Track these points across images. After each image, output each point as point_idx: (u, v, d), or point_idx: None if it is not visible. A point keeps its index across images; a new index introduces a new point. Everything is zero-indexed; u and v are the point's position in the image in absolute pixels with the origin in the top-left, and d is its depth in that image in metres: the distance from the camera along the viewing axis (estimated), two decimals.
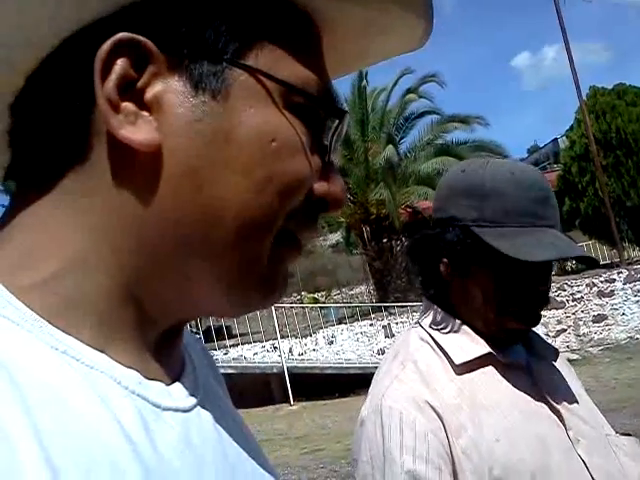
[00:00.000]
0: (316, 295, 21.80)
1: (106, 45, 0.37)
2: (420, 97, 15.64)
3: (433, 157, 14.77)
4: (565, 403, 1.00)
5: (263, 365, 12.08)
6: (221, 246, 0.41)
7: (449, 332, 1.01)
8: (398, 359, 0.99)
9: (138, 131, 0.38)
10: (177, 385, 0.44)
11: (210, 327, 12.98)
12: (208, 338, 12.54)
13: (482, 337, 0.99)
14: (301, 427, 9.15)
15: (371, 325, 12.94)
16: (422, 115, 15.99)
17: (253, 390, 11.30)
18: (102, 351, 0.39)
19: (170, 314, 0.44)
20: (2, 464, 0.30)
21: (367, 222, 15.10)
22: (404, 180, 14.70)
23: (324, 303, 18.02)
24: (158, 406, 0.41)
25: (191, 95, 0.39)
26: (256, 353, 12.71)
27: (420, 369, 0.96)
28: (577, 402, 1.02)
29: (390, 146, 13.76)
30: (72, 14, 0.38)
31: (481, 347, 0.98)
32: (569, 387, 1.05)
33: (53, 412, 0.34)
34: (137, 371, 0.40)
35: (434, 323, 1.02)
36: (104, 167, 0.39)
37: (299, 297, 21.84)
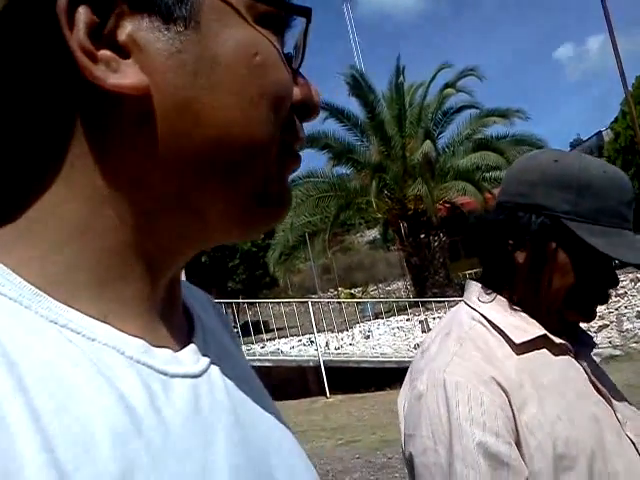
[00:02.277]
0: (352, 291, 21.81)
1: None
2: (458, 91, 15.47)
3: (472, 152, 14.62)
4: (607, 388, 1.02)
5: (300, 358, 12.15)
6: (232, 170, 0.40)
7: (503, 313, 1.02)
8: (452, 337, 0.99)
9: (125, 77, 0.37)
10: (185, 350, 0.43)
11: (247, 321, 13.12)
12: (245, 332, 12.70)
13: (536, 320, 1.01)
14: (337, 419, 9.19)
15: (408, 320, 12.89)
16: (460, 109, 15.84)
17: (290, 382, 11.40)
18: (104, 321, 0.38)
19: (178, 252, 0.43)
20: (0, 451, 0.29)
21: (404, 218, 15.03)
22: (442, 175, 14.58)
23: (360, 298, 17.99)
24: (165, 374, 0.40)
25: (164, 29, 0.38)
26: (293, 347, 12.80)
27: (479, 346, 0.97)
28: (615, 389, 1.05)
29: (428, 141, 13.65)
30: None
31: (537, 329, 1.00)
32: (605, 374, 1.08)
33: (50, 391, 0.33)
34: (142, 339, 0.40)
35: (485, 302, 1.03)
36: (94, 127, 0.38)
37: (336, 293, 21.88)
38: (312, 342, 12.29)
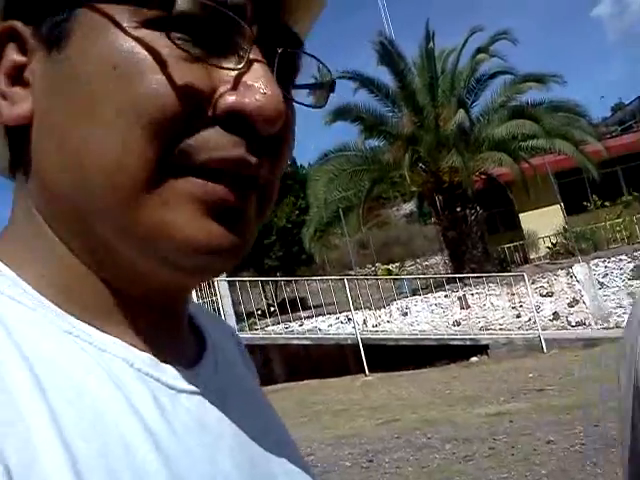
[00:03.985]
0: (390, 267, 21.68)
1: None
2: (492, 56, 15.00)
3: (507, 120, 14.20)
4: None
5: (337, 336, 12.14)
6: (100, 203, 0.37)
7: None
8: None
9: (14, 108, 0.39)
10: (195, 368, 0.44)
11: (284, 299, 13.15)
12: (283, 310, 12.73)
13: None
14: (376, 398, 9.15)
15: (446, 296, 12.74)
16: (494, 76, 15.38)
17: (328, 361, 11.42)
18: (114, 335, 0.40)
19: (132, 283, 0.41)
20: (19, 447, 0.31)
21: (439, 191, 14.77)
22: (477, 146, 14.25)
23: (397, 275, 17.86)
24: (173, 388, 0.41)
25: (46, 56, 0.38)
26: (330, 325, 12.80)
27: None
28: None
29: (461, 110, 13.32)
30: None
31: None
32: None
33: (68, 396, 0.34)
34: (151, 354, 0.41)
35: None
36: (20, 159, 0.42)
37: (373, 269, 21.79)
38: (349, 320, 12.25)
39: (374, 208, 18.12)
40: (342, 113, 14.17)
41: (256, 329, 12.16)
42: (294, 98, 0.42)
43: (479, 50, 14.92)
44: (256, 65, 0.38)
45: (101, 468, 0.33)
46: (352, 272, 18.23)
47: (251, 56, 0.37)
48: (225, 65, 0.37)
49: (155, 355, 0.41)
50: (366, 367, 11.07)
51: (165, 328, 0.44)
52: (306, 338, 11.71)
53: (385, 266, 21.44)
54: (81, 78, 0.37)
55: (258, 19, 0.38)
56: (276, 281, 12.66)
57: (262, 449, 0.46)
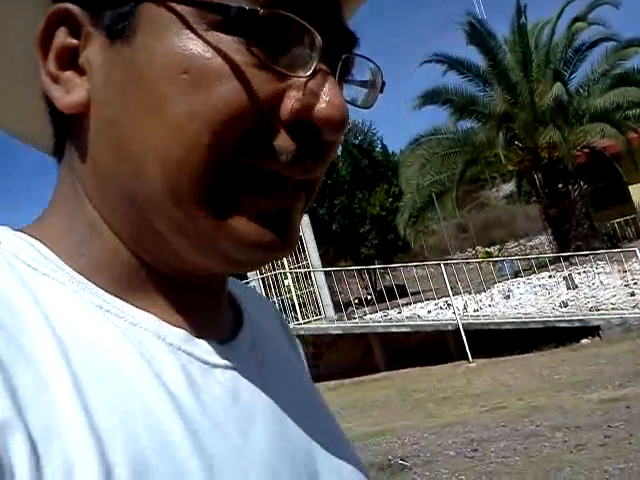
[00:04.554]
0: (490, 249, 21.07)
1: (40, 24, 0.40)
2: (591, 24, 14.17)
3: (610, 89, 13.39)
4: None
5: (437, 323, 11.95)
6: (156, 199, 0.38)
7: None
8: None
9: (70, 96, 0.39)
10: (230, 343, 0.44)
11: (382, 287, 13.12)
12: (380, 298, 12.69)
13: None
14: (480, 384, 8.94)
15: (550, 277, 12.20)
16: (595, 44, 14.57)
17: (429, 348, 11.27)
18: (146, 310, 0.40)
19: (175, 269, 0.42)
20: (42, 416, 0.31)
21: (538, 168, 14.16)
22: (577, 119, 13.55)
23: (497, 257, 17.33)
24: (206, 362, 0.41)
25: (107, 45, 0.39)
26: (430, 311, 12.62)
27: None
28: None
29: (558, 84, 12.69)
30: None
31: None
32: None
33: (92, 364, 0.35)
34: (185, 330, 0.41)
35: None
36: (70, 141, 0.43)
37: (474, 252, 21.28)
38: (449, 305, 12.03)
39: (472, 191, 17.69)
40: (431, 96, 13.92)
41: (354, 318, 12.21)
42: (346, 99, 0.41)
43: (576, 19, 14.18)
44: (323, 72, 0.38)
45: (124, 438, 0.33)
46: (450, 257, 17.89)
47: (318, 65, 0.38)
48: (293, 73, 0.37)
49: (190, 331, 0.41)
50: (469, 353, 10.83)
51: (202, 305, 0.44)
52: (405, 325, 11.61)
53: (485, 249, 20.86)
54: (148, 78, 0.37)
55: (324, 24, 0.38)
56: (373, 269, 12.65)
57: (301, 428, 0.45)
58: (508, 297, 12.42)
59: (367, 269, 12.81)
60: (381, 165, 21.45)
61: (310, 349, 11.51)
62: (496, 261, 15.18)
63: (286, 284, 12.70)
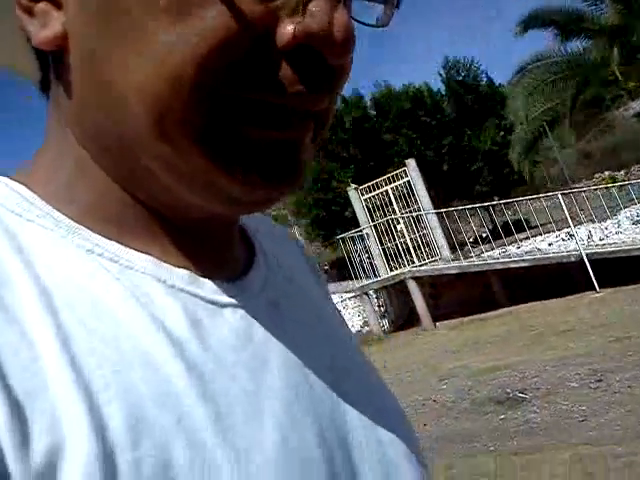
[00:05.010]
0: (615, 174, 19.73)
1: None
2: None
3: None
4: None
5: (559, 255, 11.52)
6: (143, 137, 0.34)
7: None
8: None
9: (45, 30, 0.36)
10: (241, 280, 0.42)
11: (496, 224, 12.82)
12: (497, 235, 12.42)
13: None
14: (606, 315, 8.60)
15: None
16: None
17: (551, 281, 10.96)
18: (144, 252, 0.38)
19: (173, 209, 0.39)
20: (25, 370, 0.29)
21: None
22: None
23: (624, 181, 16.22)
24: (214, 303, 0.38)
25: None
26: (550, 244, 12.18)
27: None
28: None
29: None
30: None
31: None
32: None
33: (80, 313, 0.33)
34: (189, 270, 0.38)
35: None
36: (54, 77, 0.39)
37: (597, 177, 20.04)
38: (571, 236, 11.54)
39: (594, 114, 16.52)
40: (533, 20, 13.02)
41: (471, 257, 12.07)
42: (355, 17, 0.36)
43: None
44: None
45: (118, 390, 0.31)
46: (573, 186, 17.00)
47: None
48: None
49: (194, 271, 0.39)
50: (595, 283, 10.41)
51: (206, 244, 0.41)
52: (524, 260, 11.31)
53: (609, 173, 19.57)
54: (124, 7, 0.33)
55: None
56: (486, 206, 12.34)
57: (325, 377, 0.42)
58: (637, 222, 11.70)
59: (480, 207, 12.50)
60: (488, 99, 20.51)
61: (428, 290, 11.59)
62: (622, 185, 14.24)
63: (399, 229, 12.77)
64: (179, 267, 0.38)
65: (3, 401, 0.27)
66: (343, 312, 12.34)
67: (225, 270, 0.41)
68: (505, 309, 10.72)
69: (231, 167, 0.34)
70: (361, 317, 12.11)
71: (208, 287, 0.39)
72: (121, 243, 0.37)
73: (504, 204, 13.78)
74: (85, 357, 0.31)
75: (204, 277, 0.39)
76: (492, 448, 4.31)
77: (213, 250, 0.41)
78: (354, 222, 13.37)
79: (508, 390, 5.57)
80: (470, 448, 4.43)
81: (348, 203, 13.73)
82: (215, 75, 0.32)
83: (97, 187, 0.38)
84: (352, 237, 12.64)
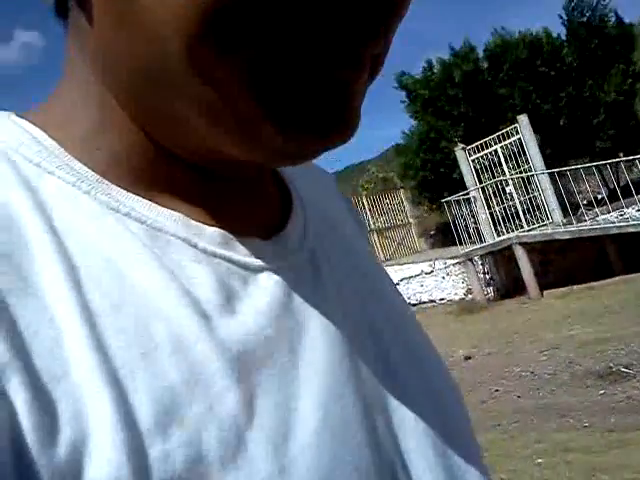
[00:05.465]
0: None
1: None
2: None
3: None
4: None
5: None
6: (177, 75, 0.30)
7: None
8: None
9: None
10: (277, 237, 0.38)
11: (614, 184, 12.06)
12: (614, 197, 11.70)
13: None
14: None
15: None
16: None
17: None
18: (175, 210, 0.35)
19: (205, 158, 0.36)
20: (46, 350, 0.27)
21: None
22: None
23: None
24: (247, 268, 0.35)
25: None
26: None
27: None
28: None
29: None
30: None
31: None
32: None
33: (106, 287, 0.30)
34: (221, 228, 0.35)
35: None
36: (73, 0, 0.34)
37: None
38: None
39: None
40: None
41: (584, 220, 11.48)
42: None
43: None
44: None
45: (146, 374, 0.28)
46: None
47: None
48: None
49: (227, 228, 0.36)
50: None
51: (240, 197, 0.38)
52: None
53: None
54: None
55: None
56: (605, 165, 11.60)
57: (367, 333, 0.39)
58: None
59: (599, 165, 11.73)
60: (615, 42, 18.94)
61: (536, 256, 11.19)
62: None
63: (508, 191, 12.34)
64: (210, 225, 0.35)
65: (26, 386, 0.25)
66: (447, 279, 12.19)
67: (259, 225, 0.39)
68: (620, 277, 10.16)
69: (281, 115, 0.30)
70: (465, 284, 11.90)
71: (242, 249, 0.36)
72: (149, 199, 0.34)
73: (625, 162, 12.91)
74: (111, 337, 0.29)
75: (237, 235, 0.36)
76: (587, 424, 4.24)
77: (246, 204, 0.39)
78: (462, 185, 13.04)
79: (612, 364, 5.39)
80: (563, 423, 4.38)
81: (456, 164, 13.32)
82: (266, 5, 0.28)
83: (122, 135, 0.34)
84: (458, 200, 12.33)
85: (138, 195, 0.34)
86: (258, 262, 0.36)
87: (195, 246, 0.34)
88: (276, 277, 0.36)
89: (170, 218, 0.34)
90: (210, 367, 0.30)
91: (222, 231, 0.35)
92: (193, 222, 0.35)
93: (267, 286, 0.35)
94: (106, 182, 0.33)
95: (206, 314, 0.32)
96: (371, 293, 0.43)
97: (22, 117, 0.35)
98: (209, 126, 0.32)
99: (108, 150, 0.34)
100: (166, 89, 0.31)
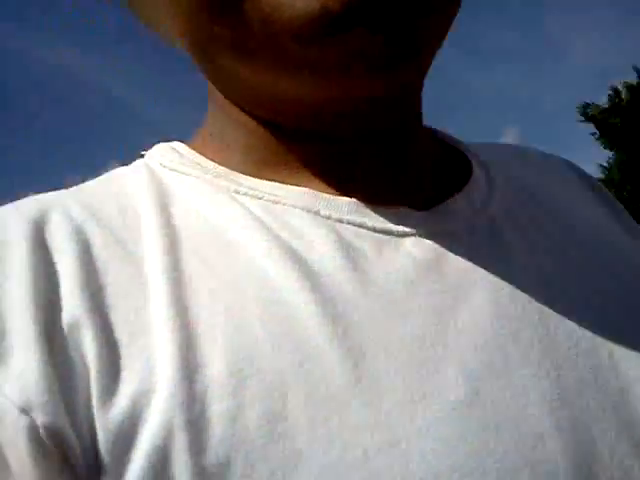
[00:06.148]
0: None
1: None
2: None
3: None
4: None
5: None
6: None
7: None
8: None
9: None
10: (436, 207, 0.34)
11: None
12: None
13: None
14: None
15: None
16: None
17: None
18: (300, 185, 0.33)
19: (325, 129, 0.33)
20: (131, 307, 0.27)
21: None
22: None
23: None
24: (388, 232, 0.31)
25: None
26: None
27: None
28: None
29: None
30: None
31: None
32: None
33: (204, 253, 0.30)
34: (355, 198, 0.32)
35: None
36: None
37: None
38: None
39: None
40: None
41: None
42: None
43: None
44: None
45: (226, 328, 0.27)
46: None
47: None
48: None
49: (364, 199, 0.32)
50: None
51: (378, 166, 0.34)
52: None
53: None
54: None
55: None
56: None
57: (571, 315, 0.31)
58: None
59: None
60: None
61: None
62: None
63: None
64: (342, 195, 0.33)
65: (100, 340, 0.26)
66: None
67: (410, 196, 0.34)
68: None
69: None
70: None
71: (376, 216, 0.32)
72: (272, 180, 0.33)
73: None
74: (198, 298, 0.28)
75: (377, 204, 0.33)
76: None
77: (389, 173, 0.35)
78: None
79: None
80: None
81: None
82: None
83: (239, 126, 0.35)
84: None
85: (261, 178, 0.33)
86: (400, 228, 0.32)
87: (317, 213, 0.32)
88: (427, 242, 0.32)
89: (293, 191, 0.32)
90: (308, 323, 0.27)
91: (352, 199, 0.32)
92: (319, 193, 0.32)
93: (412, 250, 0.31)
94: (230, 171, 0.34)
95: (314, 274, 0.29)
96: (602, 282, 0.35)
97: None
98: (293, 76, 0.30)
99: (231, 145, 0.35)
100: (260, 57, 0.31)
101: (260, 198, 0.32)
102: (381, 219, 0.32)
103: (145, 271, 0.29)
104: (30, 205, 0.31)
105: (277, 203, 0.32)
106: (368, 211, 0.32)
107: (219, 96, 0.35)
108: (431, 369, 0.27)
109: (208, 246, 0.30)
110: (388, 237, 0.31)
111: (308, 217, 0.31)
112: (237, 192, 0.32)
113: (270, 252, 0.29)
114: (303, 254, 0.30)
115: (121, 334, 0.26)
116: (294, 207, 0.32)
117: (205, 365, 0.26)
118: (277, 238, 0.30)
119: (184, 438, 0.24)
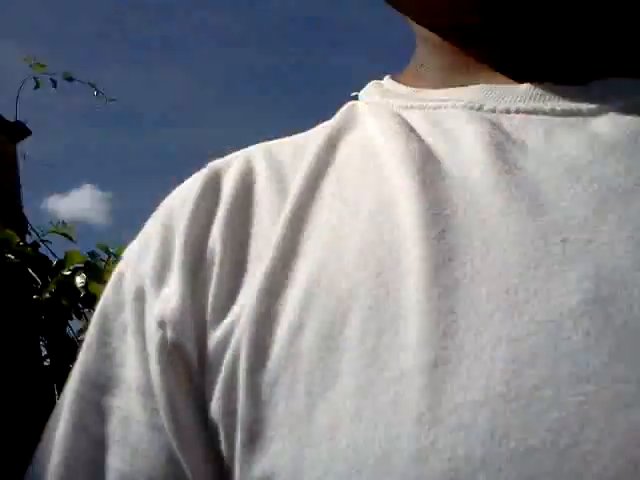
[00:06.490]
0: None
1: None
2: None
3: None
4: None
5: None
6: None
7: None
8: None
9: None
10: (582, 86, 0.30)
11: None
12: None
13: None
14: None
15: None
16: None
17: None
18: (473, 84, 0.31)
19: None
20: (260, 234, 0.30)
21: None
22: None
23: None
24: (571, 113, 0.28)
25: None
26: None
27: None
28: None
29: None
30: None
31: None
32: None
33: (344, 176, 0.30)
34: (532, 84, 0.30)
35: None
36: None
37: None
38: None
39: None
40: None
41: None
42: None
43: None
44: None
45: (322, 245, 0.27)
46: None
47: None
48: None
49: (544, 80, 0.30)
50: None
51: (556, 46, 0.31)
52: None
53: None
54: None
55: None
56: None
57: None
58: None
59: None
60: None
61: None
62: None
63: None
64: (521, 84, 0.30)
65: (229, 275, 0.29)
66: None
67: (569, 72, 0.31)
68: None
69: None
70: None
71: (557, 97, 0.29)
72: (456, 86, 0.32)
73: None
74: (317, 218, 0.28)
75: (561, 85, 0.30)
76: None
77: (568, 53, 0.31)
78: None
79: None
80: None
81: None
82: None
83: (424, 43, 0.35)
84: None
85: (447, 88, 0.33)
86: (590, 105, 0.29)
87: (480, 109, 0.30)
88: (625, 117, 0.28)
89: (461, 92, 0.31)
90: (407, 233, 0.26)
91: (531, 85, 0.30)
92: (496, 85, 0.31)
93: (597, 132, 0.28)
94: (421, 90, 0.33)
95: (440, 179, 0.27)
96: None
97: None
98: None
99: (425, 62, 0.35)
100: None
101: (423, 108, 0.31)
102: (558, 101, 0.29)
103: (286, 201, 0.30)
104: (235, 153, 0.35)
105: (438, 109, 0.31)
106: (546, 94, 0.29)
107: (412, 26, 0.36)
108: (556, 269, 0.23)
109: (350, 166, 0.30)
110: (574, 118, 0.28)
111: (465, 115, 0.30)
112: (405, 107, 0.32)
113: (402, 159, 0.28)
114: (441, 157, 0.28)
115: (249, 264, 0.29)
116: (454, 108, 0.30)
117: (290, 286, 0.27)
118: (420, 144, 0.29)
119: (246, 355, 0.26)
